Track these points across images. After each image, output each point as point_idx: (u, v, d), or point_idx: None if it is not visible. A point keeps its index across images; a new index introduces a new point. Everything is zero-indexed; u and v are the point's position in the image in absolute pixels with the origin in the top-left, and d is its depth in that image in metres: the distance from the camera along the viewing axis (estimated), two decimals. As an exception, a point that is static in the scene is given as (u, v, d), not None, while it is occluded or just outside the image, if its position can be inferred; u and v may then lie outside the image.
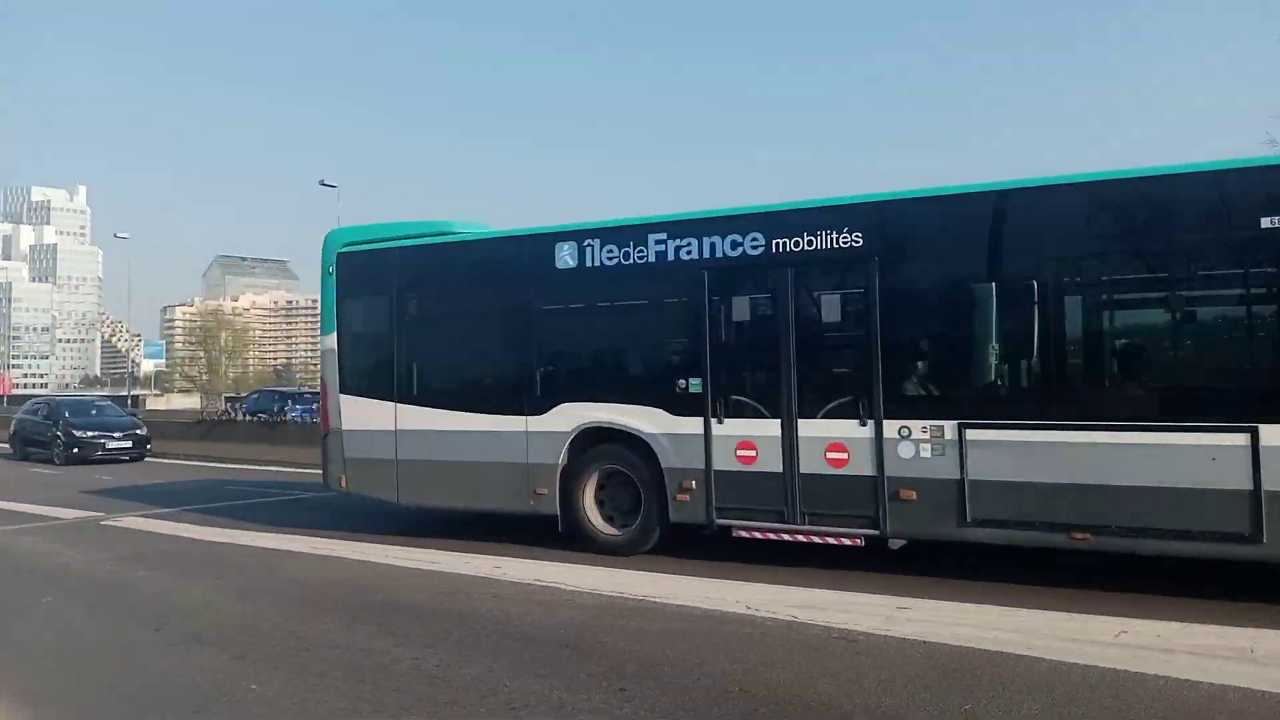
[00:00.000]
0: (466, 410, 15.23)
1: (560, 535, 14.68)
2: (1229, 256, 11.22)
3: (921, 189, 12.62)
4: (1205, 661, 9.48)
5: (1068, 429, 11.57)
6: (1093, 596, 11.57)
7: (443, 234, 15.94)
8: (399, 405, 15.79)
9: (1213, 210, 11.19)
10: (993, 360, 12.16)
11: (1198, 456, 11.04)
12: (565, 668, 9.66)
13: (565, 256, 14.60)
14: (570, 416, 14.47)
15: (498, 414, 14.97)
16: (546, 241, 14.74)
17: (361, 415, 16.06)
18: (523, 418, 14.80)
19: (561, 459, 14.51)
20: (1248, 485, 10.89)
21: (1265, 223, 10.94)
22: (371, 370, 16.22)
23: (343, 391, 16.24)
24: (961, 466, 12.03)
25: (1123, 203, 11.58)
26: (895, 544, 12.79)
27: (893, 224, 12.58)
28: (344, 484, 16.15)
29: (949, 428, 12.13)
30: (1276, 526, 10.89)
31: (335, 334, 16.52)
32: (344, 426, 16.13)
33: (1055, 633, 10.31)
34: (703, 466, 13.54)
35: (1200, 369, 11.36)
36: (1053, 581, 12.16)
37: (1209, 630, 10.35)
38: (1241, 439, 10.89)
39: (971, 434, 12.02)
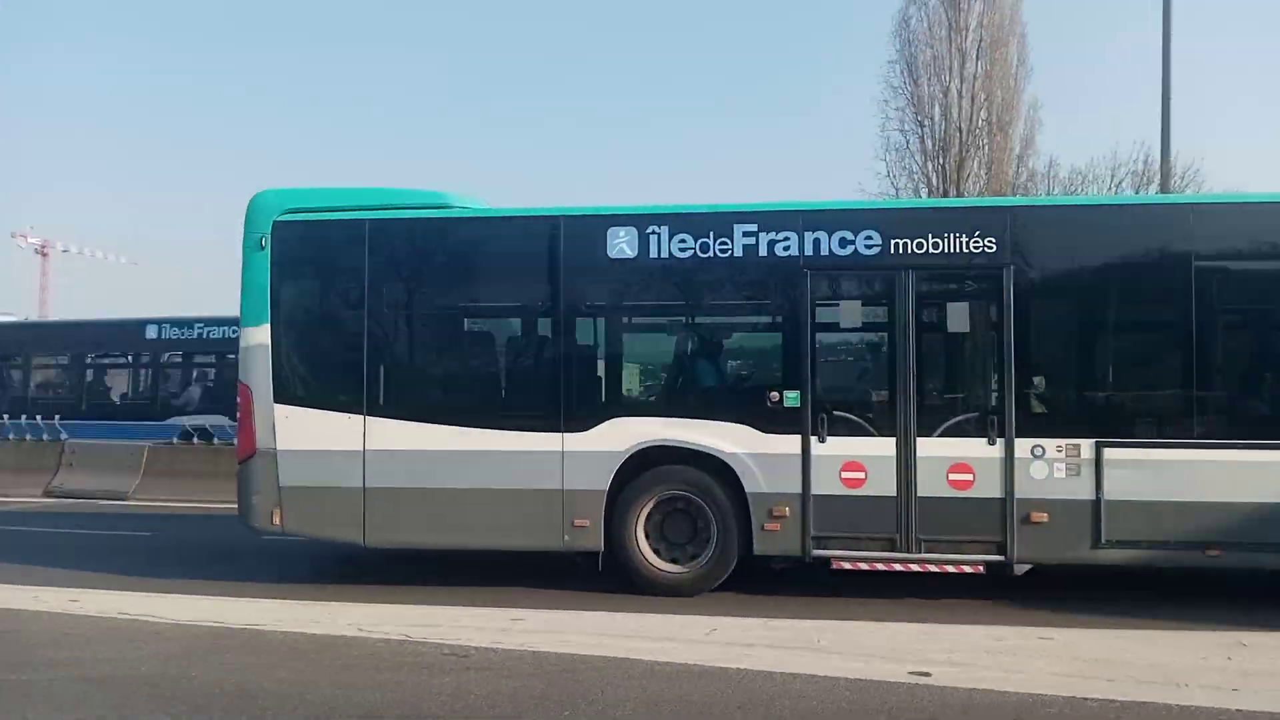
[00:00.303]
0: (474, 426, 12.62)
1: (588, 573, 13.01)
2: None
3: (1061, 198, 12.08)
4: (781, 653, 10.36)
5: (1205, 448, 11.69)
6: (691, 600, 12.56)
7: (439, 206, 13.15)
8: (370, 419, 12.81)
9: None
10: (1134, 377, 12.14)
11: None
12: (140, 709, 9.03)
13: (622, 245, 12.62)
14: (624, 433, 12.47)
15: (522, 430, 12.56)
16: (597, 225, 12.67)
17: (309, 432, 12.90)
18: (558, 434, 12.53)
19: (610, 484, 12.49)
20: None
21: None
22: (329, 374, 13.11)
23: (279, 400, 12.98)
24: (1098, 487, 11.82)
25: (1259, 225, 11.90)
26: (1020, 569, 12.18)
27: (1030, 231, 12.11)
28: (277, 520, 12.93)
29: (1085, 446, 11.86)
30: None
31: (269, 325, 13.10)
32: (280, 446, 12.89)
33: (653, 633, 10.92)
34: (799, 490, 12.19)
35: None
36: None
37: (787, 624, 11.35)
38: None
39: (1110, 453, 11.84)
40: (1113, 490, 11.81)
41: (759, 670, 9.91)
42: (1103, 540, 11.87)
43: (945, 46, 36.63)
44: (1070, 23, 69.07)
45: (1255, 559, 11.79)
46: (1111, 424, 11.92)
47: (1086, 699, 9.33)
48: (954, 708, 9.12)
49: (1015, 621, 11.64)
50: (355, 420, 12.79)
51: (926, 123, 36.39)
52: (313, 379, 13.08)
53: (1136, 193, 33.49)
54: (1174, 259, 11.94)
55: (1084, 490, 11.81)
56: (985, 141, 36.53)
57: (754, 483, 12.34)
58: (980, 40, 36.77)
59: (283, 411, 12.96)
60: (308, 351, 13.16)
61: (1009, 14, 36.80)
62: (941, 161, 36.31)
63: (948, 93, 36.50)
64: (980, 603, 12.47)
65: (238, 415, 13.20)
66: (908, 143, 36.45)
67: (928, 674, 9.78)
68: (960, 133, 36.47)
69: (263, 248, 13.21)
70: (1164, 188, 22.74)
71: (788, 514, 12.24)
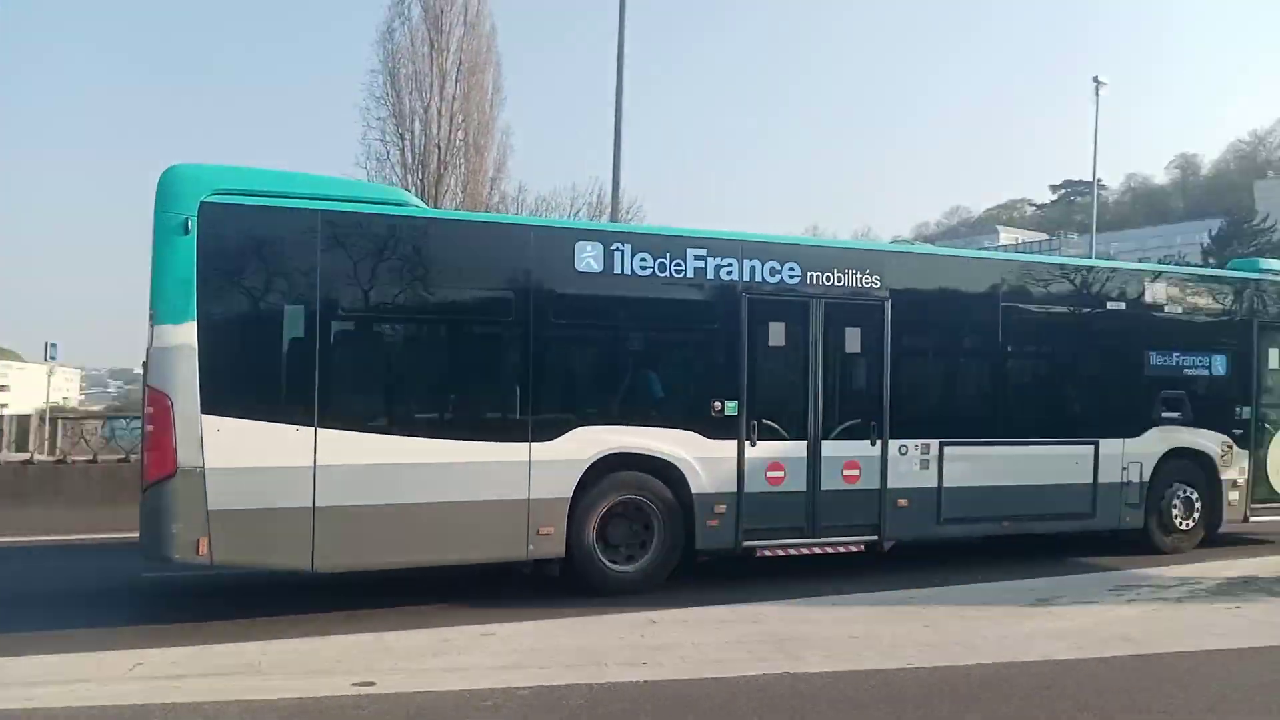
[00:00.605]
0: (440, 437, 12.16)
1: (541, 580, 13.07)
2: (1081, 327, 16.27)
3: (921, 246, 16.25)
4: (215, 681, 9.92)
5: (1004, 444, 15.34)
6: (115, 631, 11.59)
7: (397, 204, 12.46)
8: (323, 431, 11.64)
9: (1067, 295, 16.23)
10: (964, 390, 15.54)
11: (1070, 462, 15.81)
12: None
13: (589, 259, 13.06)
14: (587, 442, 12.86)
15: (487, 440, 12.38)
16: (565, 237, 13.05)
17: (247, 447, 11.45)
18: (525, 444, 12.56)
19: (573, 491, 12.82)
20: (1089, 480, 15.94)
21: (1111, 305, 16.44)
22: (272, 381, 11.71)
23: (208, 411, 11.36)
24: (939, 477, 14.85)
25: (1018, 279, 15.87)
26: (887, 546, 14.62)
27: (900, 273, 14.82)
28: (203, 551, 11.36)
29: (934, 445, 14.87)
30: (1101, 506, 16.04)
31: (194, 323, 11.50)
32: (209, 464, 11.34)
33: (64, 674, 10.04)
34: (734, 490, 13.62)
35: (1076, 401, 16.22)
36: (67, 624, 11.90)
37: (225, 649, 10.85)
38: (1088, 449, 15.93)
39: (948, 450, 14.95)
40: (949, 479, 14.94)
41: (187, 703, 9.40)
42: (941, 519, 14.93)
43: (427, 64, 37.04)
44: (542, 58, 72.41)
45: (1030, 527, 15.67)
46: (950, 427, 15.06)
47: (519, 688, 9.70)
48: (396, 714, 9.21)
49: (463, 621, 11.90)
50: (304, 432, 11.63)
51: (407, 136, 36.64)
52: (252, 386, 11.68)
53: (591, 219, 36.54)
54: (989, 301, 15.52)
55: (931, 480, 14.83)
56: (461, 161, 37.20)
57: (700, 484, 13.57)
58: (460, 63, 37.37)
59: (213, 424, 11.44)
60: (246, 355, 11.77)
61: (486, 42, 37.70)
62: (420, 176, 36.63)
63: (428, 110, 36.90)
64: (432, 608, 12.70)
65: (147, 428, 11.48)
66: (388, 153, 36.65)
67: (372, 684, 9.81)
68: (439, 150, 36.96)
69: (186, 232, 11.64)
70: (614, 217, 24.52)
71: (724, 511, 13.64)
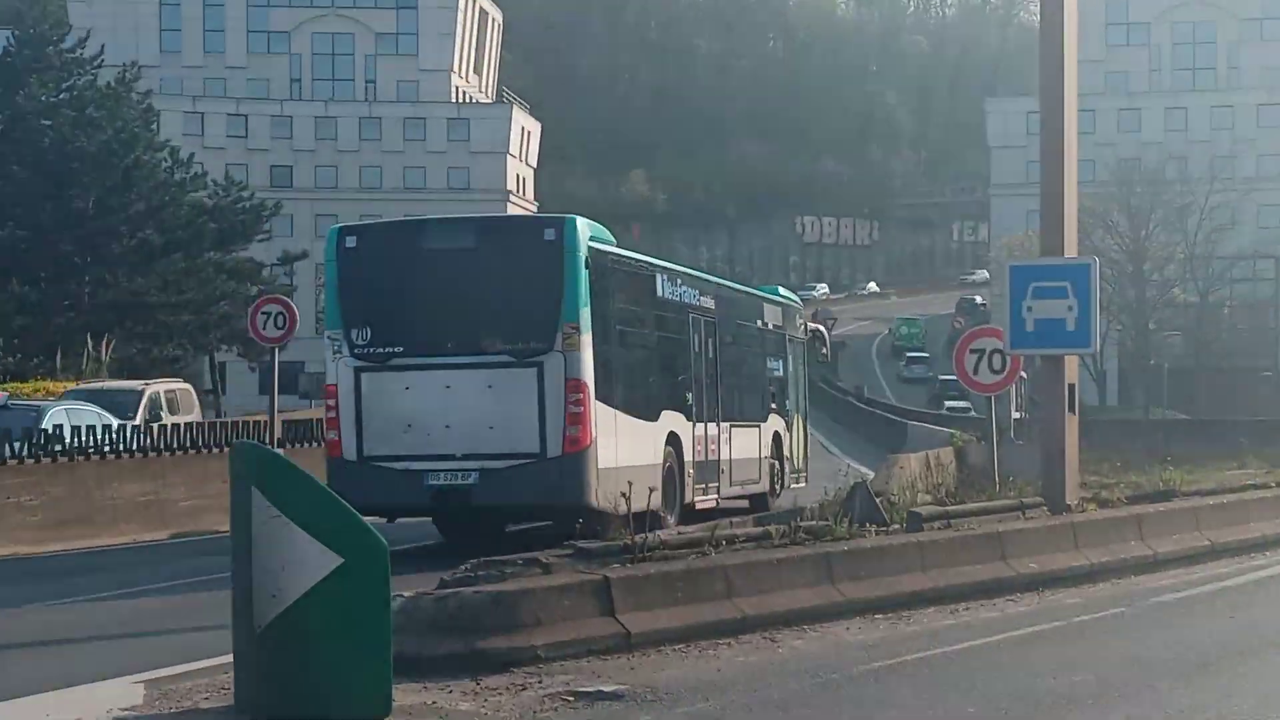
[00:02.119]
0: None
1: None
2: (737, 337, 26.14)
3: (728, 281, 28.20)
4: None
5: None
6: None
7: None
8: (666, 413, 22.50)
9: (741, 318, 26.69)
10: (725, 386, 24.38)
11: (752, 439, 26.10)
12: None
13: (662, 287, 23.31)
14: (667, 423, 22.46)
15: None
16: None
17: (618, 426, 20.47)
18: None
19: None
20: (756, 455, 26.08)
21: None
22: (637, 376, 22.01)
23: (599, 399, 19.92)
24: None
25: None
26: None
27: (718, 303, 24.86)
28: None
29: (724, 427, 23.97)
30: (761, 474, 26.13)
31: (590, 333, 19.61)
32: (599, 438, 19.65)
33: None
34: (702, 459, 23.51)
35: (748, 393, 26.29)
36: None
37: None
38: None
39: (724, 430, 23.90)
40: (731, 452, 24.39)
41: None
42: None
43: None
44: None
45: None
46: (728, 413, 24.32)
47: None
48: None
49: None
50: (659, 415, 22.20)
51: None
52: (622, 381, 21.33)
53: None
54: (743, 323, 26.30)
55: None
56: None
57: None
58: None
59: (603, 410, 20.14)
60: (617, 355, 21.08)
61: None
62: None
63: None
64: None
65: (574, 410, 19.19)
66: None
67: None
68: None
69: (587, 268, 19.19)
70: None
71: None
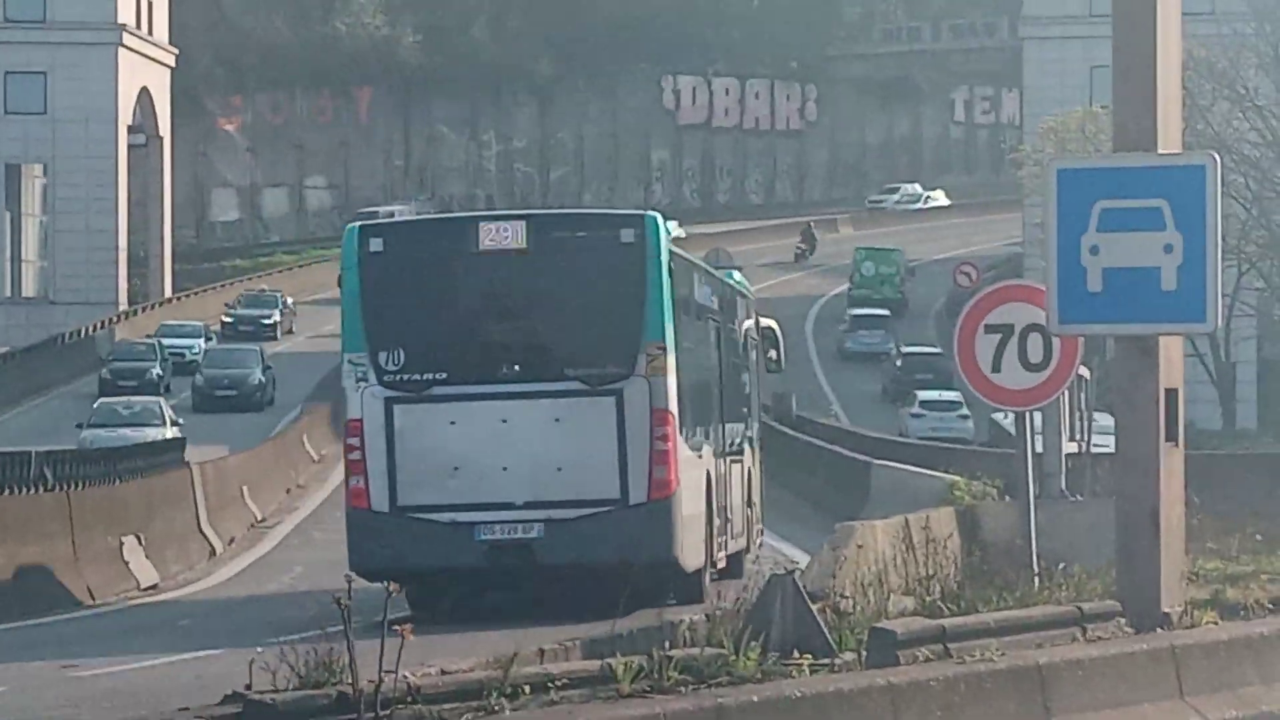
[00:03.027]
0: None
1: None
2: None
3: None
4: None
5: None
6: None
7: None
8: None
9: None
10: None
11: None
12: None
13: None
14: None
15: None
16: None
17: None
18: None
19: None
20: None
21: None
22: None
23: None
24: None
25: None
26: None
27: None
28: None
29: None
30: None
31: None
32: None
33: None
34: None
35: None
36: None
37: None
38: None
39: None
40: None
41: None
42: None
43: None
44: None
45: None
46: (728, 445, 32.57)
47: None
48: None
49: None
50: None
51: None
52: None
53: None
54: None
55: None
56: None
57: None
58: None
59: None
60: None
61: None
62: None
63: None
64: None
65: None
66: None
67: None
68: None
69: (670, 276, 27.39)
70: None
71: None
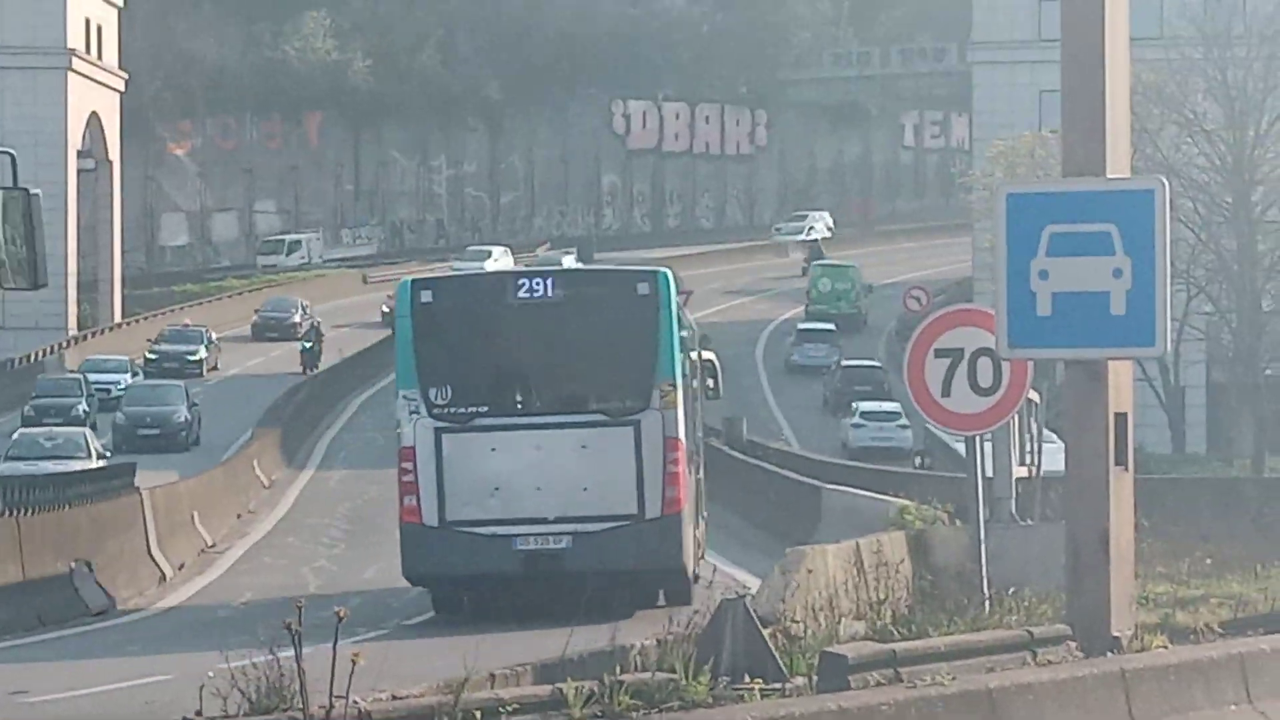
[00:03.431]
0: None
1: None
2: None
3: None
4: None
5: None
6: None
7: None
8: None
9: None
10: None
11: None
12: None
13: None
14: None
15: None
16: None
17: None
18: None
19: None
20: None
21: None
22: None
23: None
24: None
25: None
26: None
27: None
28: None
29: None
30: None
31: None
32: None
33: None
34: None
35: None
36: None
37: None
38: None
39: None
40: None
41: None
42: None
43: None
44: None
45: None
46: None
47: None
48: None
49: None
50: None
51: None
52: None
53: None
54: None
55: None
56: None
57: None
58: None
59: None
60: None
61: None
62: None
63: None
64: None
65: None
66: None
67: None
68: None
69: (678, 322, 35.19)
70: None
71: None
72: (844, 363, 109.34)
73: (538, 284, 33.24)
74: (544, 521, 32.81)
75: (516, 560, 32.62)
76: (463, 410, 31.53)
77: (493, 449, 32.60)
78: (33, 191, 19.01)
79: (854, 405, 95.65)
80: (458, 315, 32.90)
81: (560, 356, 33.58)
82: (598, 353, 33.55)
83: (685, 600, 31.60)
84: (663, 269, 34.47)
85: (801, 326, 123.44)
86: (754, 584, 26.49)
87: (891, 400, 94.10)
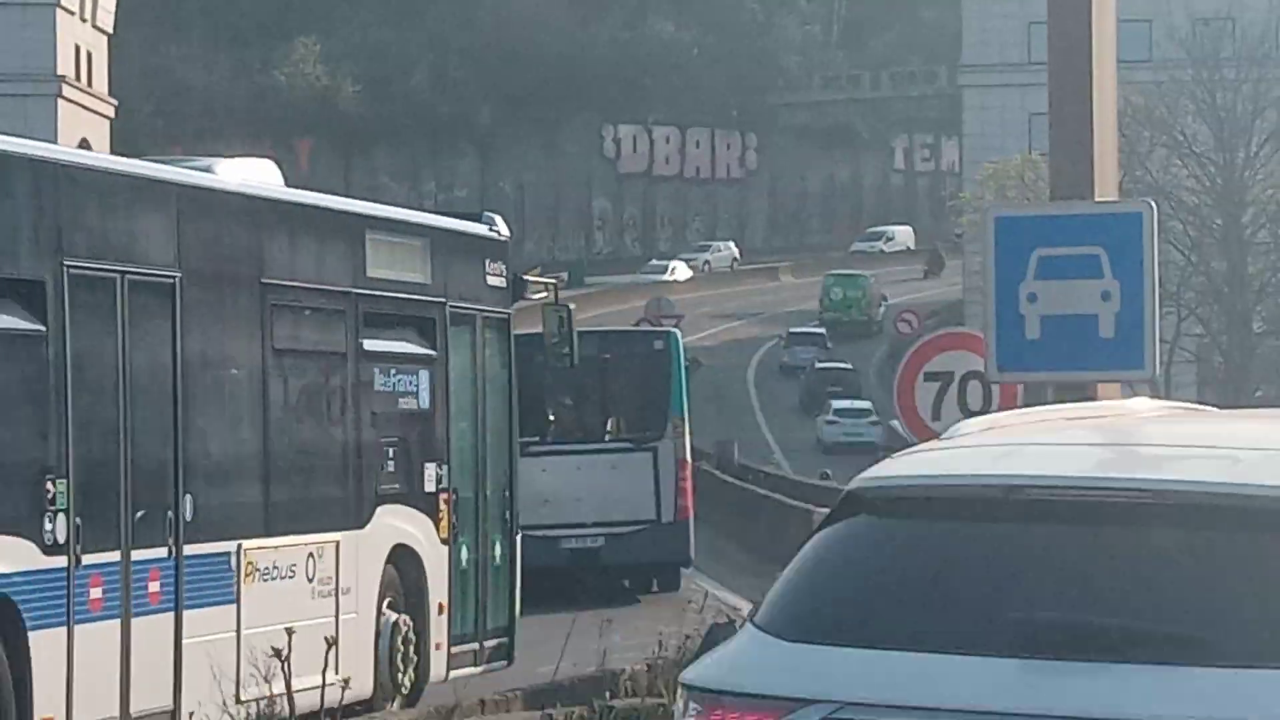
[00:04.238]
0: None
1: None
2: None
3: None
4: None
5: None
6: None
7: None
8: None
9: None
10: None
11: None
12: None
13: None
14: None
15: None
16: None
17: None
18: None
19: None
20: None
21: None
22: None
23: None
24: None
25: None
26: None
27: None
28: None
29: None
30: None
31: None
32: None
33: None
34: None
35: None
36: None
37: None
38: None
39: None
40: None
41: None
42: None
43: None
44: None
45: None
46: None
47: None
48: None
49: None
50: None
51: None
52: None
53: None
54: None
55: None
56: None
57: None
58: None
59: None
60: None
61: None
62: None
63: None
64: None
65: None
66: None
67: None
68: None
69: (685, 369, 48.52)
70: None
71: None
72: (818, 365, 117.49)
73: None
74: (584, 526, 43.39)
75: (563, 556, 42.53)
76: (522, 440, 32.40)
77: (544, 470, 40.68)
78: (572, 307, 30.69)
79: (829, 403, 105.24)
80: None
81: (595, 398, 44.95)
82: (625, 394, 45.25)
83: (675, 586, 44.13)
84: (675, 331, 47.69)
85: (792, 330, 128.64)
86: (745, 607, 26.52)
87: (863, 400, 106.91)
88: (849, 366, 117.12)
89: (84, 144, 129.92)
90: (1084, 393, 18.71)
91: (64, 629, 17.64)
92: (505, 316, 27.27)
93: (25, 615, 17.24)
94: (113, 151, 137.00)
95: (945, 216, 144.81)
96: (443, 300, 25.33)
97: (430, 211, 37.85)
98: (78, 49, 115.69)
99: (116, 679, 18.17)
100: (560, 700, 15.38)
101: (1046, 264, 18.65)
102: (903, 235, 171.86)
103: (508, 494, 27.06)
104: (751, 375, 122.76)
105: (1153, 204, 19.26)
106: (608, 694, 15.41)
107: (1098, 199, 19.10)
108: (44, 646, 17.40)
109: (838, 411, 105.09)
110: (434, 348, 25.14)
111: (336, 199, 25.67)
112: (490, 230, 27.35)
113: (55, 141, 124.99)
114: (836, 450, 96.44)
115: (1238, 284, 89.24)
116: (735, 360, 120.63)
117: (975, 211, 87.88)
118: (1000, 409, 22.70)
